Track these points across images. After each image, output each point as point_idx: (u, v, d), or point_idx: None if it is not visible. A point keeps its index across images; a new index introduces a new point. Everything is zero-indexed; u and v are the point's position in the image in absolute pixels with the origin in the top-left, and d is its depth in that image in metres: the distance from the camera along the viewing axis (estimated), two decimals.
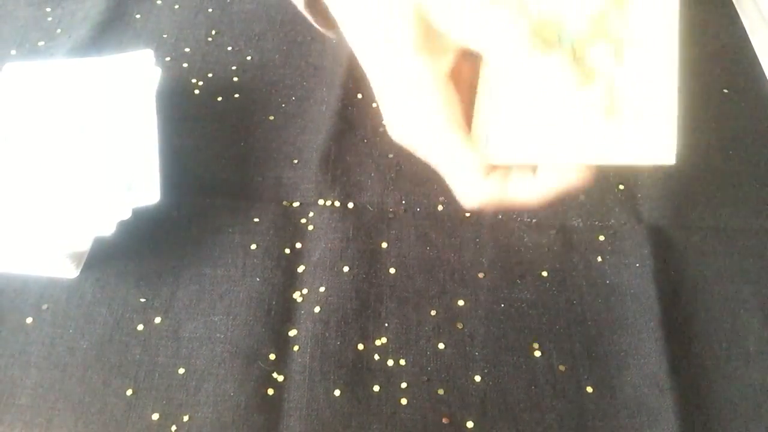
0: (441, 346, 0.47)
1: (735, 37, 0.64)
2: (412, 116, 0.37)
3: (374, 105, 0.59)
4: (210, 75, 0.61)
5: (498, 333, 0.47)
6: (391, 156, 0.56)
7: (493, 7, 0.35)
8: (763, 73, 0.61)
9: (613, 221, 0.52)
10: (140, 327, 0.47)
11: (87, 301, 0.48)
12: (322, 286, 0.49)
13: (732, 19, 0.65)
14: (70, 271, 0.49)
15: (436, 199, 0.53)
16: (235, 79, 0.61)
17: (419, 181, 0.54)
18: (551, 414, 0.44)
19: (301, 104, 0.59)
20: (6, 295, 0.49)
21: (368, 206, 0.53)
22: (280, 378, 0.46)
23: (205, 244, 0.51)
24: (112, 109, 0.53)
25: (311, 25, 0.64)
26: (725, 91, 0.60)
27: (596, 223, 0.52)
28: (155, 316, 0.48)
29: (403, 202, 0.53)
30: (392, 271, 0.50)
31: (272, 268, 0.50)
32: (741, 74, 0.61)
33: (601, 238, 0.51)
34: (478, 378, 0.46)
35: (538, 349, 0.47)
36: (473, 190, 0.37)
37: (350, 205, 0.53)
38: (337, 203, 0.53)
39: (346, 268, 0.50)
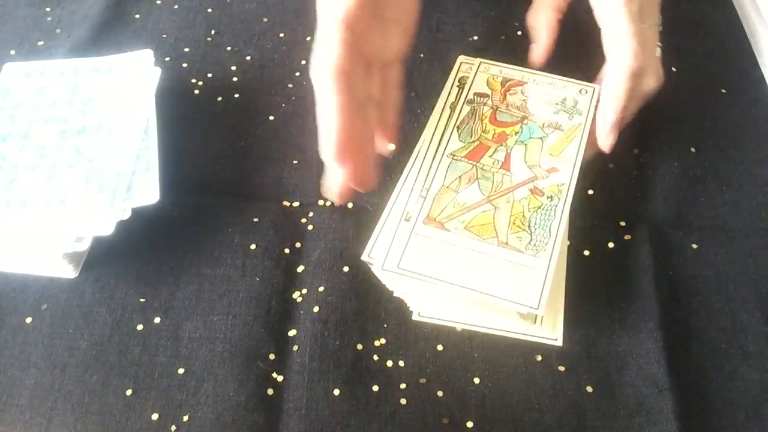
0: (440, 347, 0.47)
1: (735, 37, 0.64)
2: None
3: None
4: (210, 75, 0.61)
5: (496, 334, 0.47)
6: (390, 156, 0.55)
7: None
8: (763, 73, 0.61)
9: (612, 221, 0.52)
10: (140, 327, 0.47)
11: (86, 301, 0.48)
12: (321, 286, 0.49)
13: (731, 19, 0.65)
14: (70, 272, 0.49)
15: None
16: (235, 79, 0.61)
17: None
18: (551, 414, 0.44)
19: (301, 104, 0.59)
20: (5, 295, 0.49)
21: (368, 206, 0.53)
22: (280, 378, 0.46)
23: (205, 244, 0.51)
24: (111, 109, 0.53)
25: (311, 25, 0.64)
26: (724, 91, 0.60)
27: (596, 222, 0.52)
28: (155, 316, 0.48)
29: None
30: None
31: (272, 268, 0.50)
32: (741, 74, 0.61)
33: (601, 237, 0.51)
34: (477, 380, 0.46)
35: (537, 350, 0.47)
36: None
37: (350, 205, 0.53)
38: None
39: (345, 269, 0.50)
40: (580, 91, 0.53)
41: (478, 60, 0.55)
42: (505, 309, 0.43)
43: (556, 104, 0.52)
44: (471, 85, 0.54)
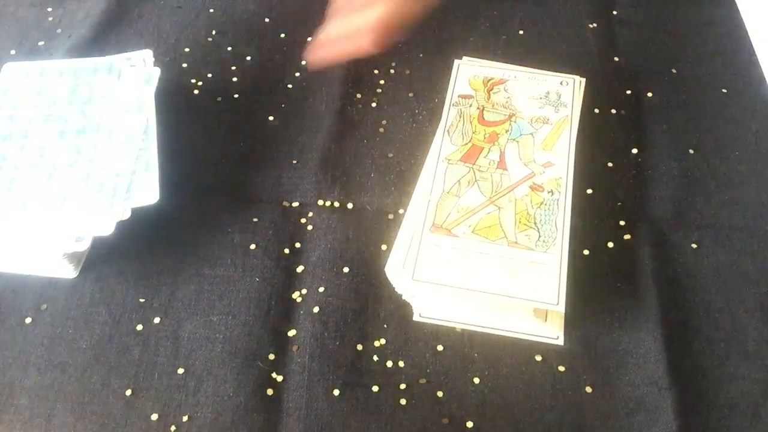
0: (440, 347, 0.47)
1: (735, 37, 0.64)
2: None
3: (374, 105, 0.59)
4: (210, 75, 0.61)
5: (497, 334, 0.47)
6: (390, 156, 0.56)
7: None
8: (763, 73, 0.61)
9: (612, 220, 0.52)
10: (139, 327, 0.47)
11: (86, 301, 0.48)
12: (321, 286, 0.49)
13: (732, 19, 0.65)
14: (70, 272, 0.49)
15: None
16: (235, 79, 0.61)
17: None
18: (551, 414, 0.44)
19: (301, 104, 0.59)
20: (5, 295, 0.49)
21: (367, 207, 0.53)
22: (279, 378, 0.46)
23: (205, 244, 0.51)
24: (111, 109, 0.53)
25: (312, 26, 0.65)
26: (725, 91, 0.60)
27: (595, 222, 0.52)
28: (154, 316, 0.48)
29: (403, 203, 0.53)
30: None
31: (271, 268, 0.50)
32: (741, 74, 0.61)
33: (601, 237, 0.51)
34: (477, 380, 0.46)
35: (537, 350, 0.47)
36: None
37: (350, 205, 0.53)
38: (336, 204, 0.53)
39: (345, 269, 0.50)
40: (561, 83, 0.53)
41: (457, 61, 0.56)
42: (521, 307, 0.44)
43: (540, 98, 0.52)
44: (453, 87, 0.54)
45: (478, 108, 0.52)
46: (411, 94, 0.59)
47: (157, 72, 0.56)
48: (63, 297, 0.49)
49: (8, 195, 0.48)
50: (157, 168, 0.50)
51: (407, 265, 0.45)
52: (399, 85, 0.60)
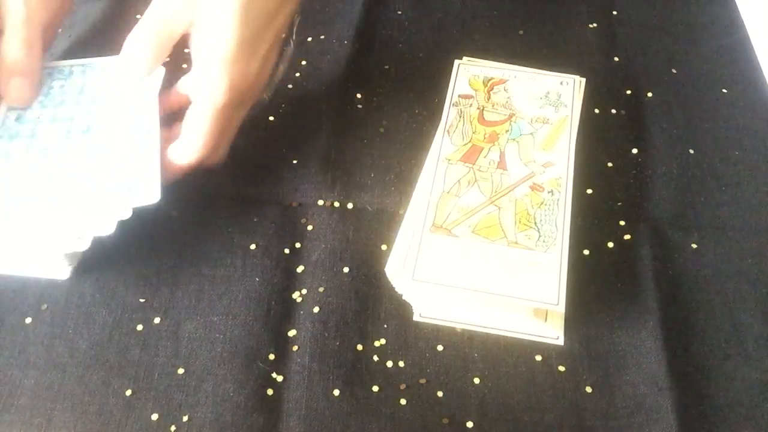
0: (440, 347, 0.47)
1: (735, 37, 0.64)
2: None
3: (374, 105, 0.59)
4: None
5: (497, 334, 0.47)
6: (390, 156, 0.55)
7: None
8: (763, 73, 0.61)
9: (612, 221, 0.52)
10: (139, 327, 0.47)
11: (86, 301, 0.48)
12: (321, 286, 0.49)
13: (732, 19, 0.65)
14: (69, 272, 0.49)
15: None
16: None
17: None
18: (551, 414, 0.44)
19: (301, 104, 0.59)
20: (5, 296, 0.49)
21: (368, 207, 0.53)
22: (280, 378, 0.46)
23: (205, 244, 0.51)
24: (113, 109, 0.53)
25: (310, 26, 0.65)
26: (725, 91, 0.60)
27: (595, 222, 0.52)
28: (154, 316, 0.48)
29: (403, 203, 0.53)
30: None
31: (271, 268, 0.50)
32: (741, 74, 0.61)
33: (601, 237, 0.51)
34: (477, 380, 0.46)
35: (537, 350, 0.47)
36: None
37: (350, 205, 0.53)
38: (336, 203, 0.53)
39: (345, 269, 0.50)
40: (561, 83, 0.53)
41: (457, 62, 0.56)
42: (521, 307, 0.44)
43: (540, 98, 0.53)
44: (454, 87, 0.54)
45: (478, 108, 0.52)
46: (411, 94, 0.59)
47: (160, 72, 0.56)
48: (63, 297, 0.49)
49: (9, 195, 0.48)
50: (158, 168, 0.50)
51: (407, 265, 0.45)
52: (399, 85, 0.60)
